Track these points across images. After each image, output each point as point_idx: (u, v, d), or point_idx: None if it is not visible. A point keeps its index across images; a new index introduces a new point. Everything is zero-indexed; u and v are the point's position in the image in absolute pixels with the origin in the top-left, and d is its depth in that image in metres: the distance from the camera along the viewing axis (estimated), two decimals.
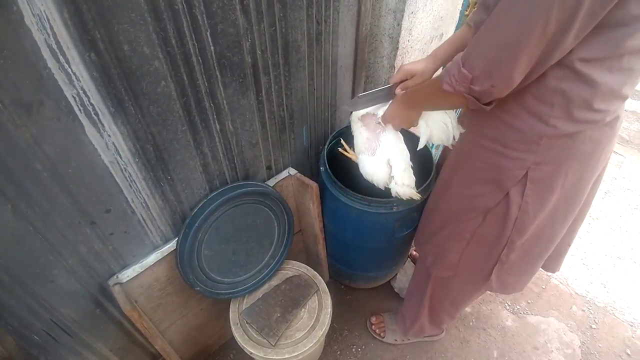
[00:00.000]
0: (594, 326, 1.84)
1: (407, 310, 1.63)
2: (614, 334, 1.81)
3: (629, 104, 3.47)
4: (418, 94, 1.09)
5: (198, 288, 1.24)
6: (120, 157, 0.92)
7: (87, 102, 0.81)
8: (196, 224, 1.14)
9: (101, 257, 1.04)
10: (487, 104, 0.86)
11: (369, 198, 1.32)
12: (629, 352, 1.75)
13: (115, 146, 0.90)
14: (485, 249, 1.16)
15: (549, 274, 2.04)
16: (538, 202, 0.99)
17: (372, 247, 1.56)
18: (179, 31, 0.86)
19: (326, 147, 1.46)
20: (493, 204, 1.05)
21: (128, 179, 0.96)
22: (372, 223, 1.42)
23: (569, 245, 1.31)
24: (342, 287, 1.94)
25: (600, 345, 1.77)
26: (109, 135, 0.88)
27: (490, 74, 0.79)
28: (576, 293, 1.97)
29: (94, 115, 0.83)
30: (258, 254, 1.39)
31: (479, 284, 1.28)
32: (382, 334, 1.76)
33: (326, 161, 1.43)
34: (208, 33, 0.92)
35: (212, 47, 0.94)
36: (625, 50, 0.75)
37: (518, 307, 1.89)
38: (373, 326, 1.78)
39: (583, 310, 1.90)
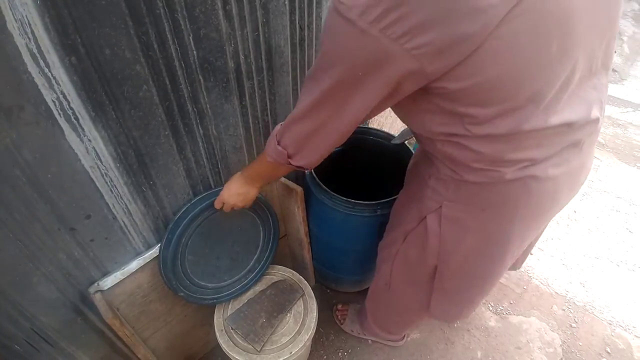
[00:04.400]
0: (574, 325, 1.88)
1: (365, 307, 1.66)
2: (593, 333, 1.86)
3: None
4: (254, 170, 1.11)
5: (182, 294, 1.22)
6: (101, 162, 0.91)
7: (67, 107, 0.80)
8: (179, 229, 1.13)
9: (81, 264, 1.02)
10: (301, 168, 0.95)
11: (353, 201, 1.33)
12: (608, 350, 1.79)
13: (95, 151, 0.88)
14: (410, 272, 1.21)
15: (530, 274, 2.09)
16: (454, 237, 1.01)
17: (357, 250, 1.56)
18: (161, 35, 0.86)
19: None
20: (411, 227, 1.11)
21: (109, 184, 0.95)
22: (356, 226, 1.43)
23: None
24: (328, 291, 1.94)
25: (580, 343, 1.81)
26: (90, 140, 0.86)
27: (301, 153, 0.90)
28: (556, 293, 2.01)
29: (73, 120, 0.82)
30: (243, 259, 1.38)
31: (419, 309, 1.33)
32: (342, 321, 1.81)
33: None
34: (190, 37, 0.92)
35: (194, 52, 0.94)
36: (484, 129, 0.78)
37: (501, 307, 1.93)
38: (337, 312, 1.84)
39: (563, 310, 1.94)
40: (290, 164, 0.92)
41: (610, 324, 1.90)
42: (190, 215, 1.15)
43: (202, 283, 1.28)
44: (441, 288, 1.19)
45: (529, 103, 0.74)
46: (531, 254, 2.18)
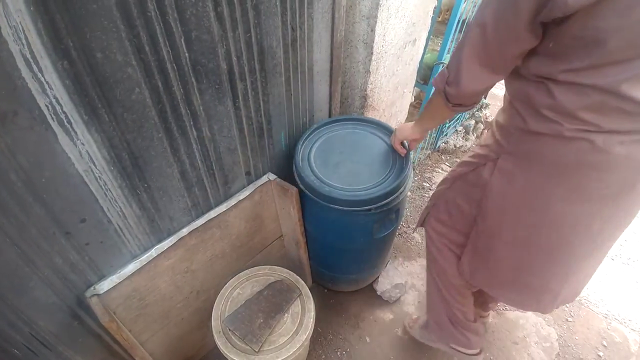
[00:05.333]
0: (570, 319, 1.89)
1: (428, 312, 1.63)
2: (589, 326, 1.87)
3: None
4: (424, 109, 1.25)
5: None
6: (95, 166, 0.91)
7: (60, 111, 0.81)
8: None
9: (77, 268, 1.02)
10: (457, 106, 1.04)
11: (347, 200, 1.33)
12: (605, 344, 1.81)
13: (89, 154, 0.89)
14: (450, 219, 1.29)
15: None
16: (499, 189, 1.07)
17: (352, 249, 1.57)
18: (153, 38, 0.87)
19: (299, 151, 1.46)
20: (463, 172, 1.19)
21: (103, 187, 0.95)
22: (351, 225, 1.44)
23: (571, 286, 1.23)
24: (326, 291, 1.94)
25: (576, 337, 1.82)
26: (83, 144, 0.87)
27: (457, 76, 0.97)
28: None
29: (66, 124, 0.83)
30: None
31: (456, 274, 1.36)
32: (410, 326, 1.79)
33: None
34: (182, 40, 0.92)
35: (186, 54, 0.95)
36: (585, 77, 0.83)
37: (497, 303, 1.93)
38: (410, 322, 1.80)
39: None
40: (446, 90, 1.02)
41: (606, 318, 1.91)
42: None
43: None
44: (474, 244, 1.23)
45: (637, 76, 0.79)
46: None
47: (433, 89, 1.11)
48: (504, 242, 1.15)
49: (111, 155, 0.93)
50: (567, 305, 1.95)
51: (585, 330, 1.86)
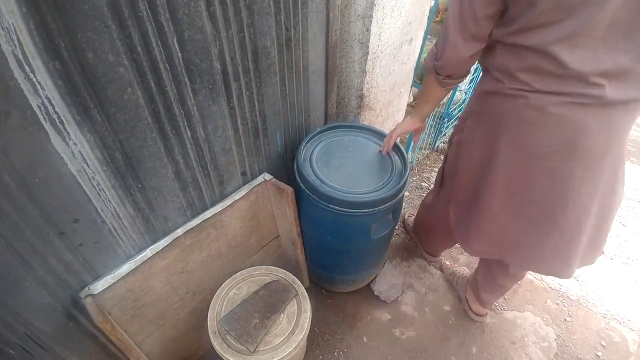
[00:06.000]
0: (568, 319, 1.89)
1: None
2: (587, 326, 1.87)
3: None
4: (419, 93, 1.49)
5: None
6: (88, 166, 0.91)
7: (52, 111, 0.81)
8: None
9: (72, 269, 1.02)
10: (447, 78, 1.18)
11: (344, 200, 1.33)
12: (603, 344, 1.80)
13: (82, 154, 0.89)
14: (449, 171, 1.49)
15: None
16: (467, 144, 1.29)
17: (349, 249, 1.57)
18: (144, 38, 0.87)
19: (302, 151, 1.46)
20: (452, 136, 1.40)
21: (96, 187, 0.95)
22: (348, 225, 1.43)
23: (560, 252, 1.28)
24: (323, 291, 1.94)
25: (575, 337, 1.82)
26: (75, 144, 0.87)
27: (443, 49, 1.11)
28: (550, 287, 2.02)
29: (59, 124, 0.83)
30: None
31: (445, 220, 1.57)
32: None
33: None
34: (175, 39, 0.92)
35: (179, 54, 0.95)
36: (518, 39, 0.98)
37: (495, 303, 1.93)
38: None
39: (557, 304, 1.95)
40: (435, 65, 1.15)
41: (604, 317, 1.91)
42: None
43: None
44: (456, 197, 1.46)
45: (565, 39, 0.90)
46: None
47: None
48: (474, 196, 1.34)
49: (104, 156, 0.93)
50: (566, 305, 1.94)
51: (583, 330, 1.85)
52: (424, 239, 2.08)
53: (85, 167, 0.91)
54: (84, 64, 0.81)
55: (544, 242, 1.25)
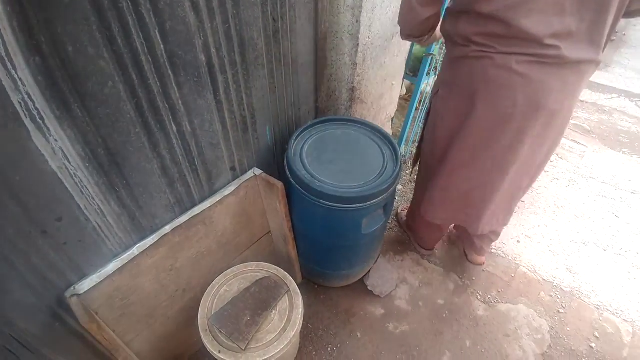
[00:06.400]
0: (561, 311, 1.89)
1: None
2: (581, 318, 1.87)
3: (589, 96, 3.61)
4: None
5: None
6: (69, 162, 0.88)
7: (32, 107, 0.78)
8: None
9: (56, 268, 0.99)
10: (407, 37, 1.38)
11: (335, 195, 1.31)
12: (597, 335, 1.80)
13: (62, 151, 0.86)
14: (428, 143, 1.56)
15: (517, 262, 2.09)
16: (440, 112, 1.37)
17: (341, 245, 1.55)
18: (125, 29, 0.84)
19: (292, 145, 1.44)
20: (428, 108, 1.51)
21: (79, 184, 0.92)
22: (339, 221, 1.42)
23: (489, 209, 1.52)
24: (316, 286, 1.93)
25: (568, 329, 1.82)
26: (56, 140, 0.84)
27: (401, 13, 1.29)
28: (544, 279, 2.02)
29: (39, 120, 0.80)
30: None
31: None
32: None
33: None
34: (156, 31, 0.89)
35: (162, 46, 0.92)
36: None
37: (489, 296, 1.93)
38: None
39: (551, 296, 1.95)
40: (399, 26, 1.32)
41: (598, 309, 1.91)
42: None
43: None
44: (432, 170, 1.54)
45: (520, 4, 0.99)
46: (518, 242, 2.19)
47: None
48: (437, 161, 1.47)
49: (86, 152, 0.90)
50: (559, 297, 1.94)
51: (577, 321, 1.85)
52: (416, 232, 2.06)
53: (67, 163, 0.88)
54: (64, 58, 0.78)
55: (491, 199, 1.45)
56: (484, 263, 2.03)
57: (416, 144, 2.74)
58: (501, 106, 1.16)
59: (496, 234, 1.88)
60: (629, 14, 1.16)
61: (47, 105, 0.80)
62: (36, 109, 0.79)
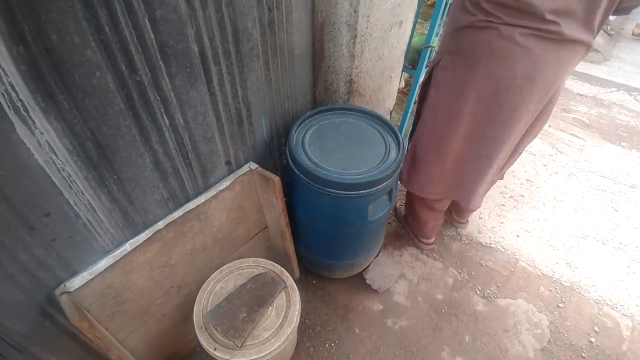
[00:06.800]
0: (561, 305, 1.87)
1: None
2: (580, 312, 1.85)
3: (588, 90, 3.58)
4: None
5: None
6: (56, 156, 0.85)
7: (16, 98, 0.75)
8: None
9: (45, 265, 0.96)
10: None
11: (340, 183, 1.29)
12: (596, 330, 1.79)
13: (49, 144, 0.83)
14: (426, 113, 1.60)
15: (517, 257, 2.08)
16: (439, 84, 1.40)
17: (347, 233, 1.54)
18: (113, 17, 0.80)
19: (293, 135, 1.42)
20: (425, 79, 1.56)
21: (67, 179, 0.89)
22: (345, 208, 1.40)
23: (482, 182, 1.59)
24: (314, 282, 1.91)
25: (568, 323, 1.81)
26: (42, 133, 0.81)
27: None
28: (543, 274, 2.01)
29: (23, 112, 0.77)
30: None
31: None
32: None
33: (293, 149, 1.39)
34: (146, 19, 0.86)
35: (152, 35, 0.89)
36: None
37: (488, 291, 1.91)
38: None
39: (550, 290, 1.93)
40: None
41: (597, 303, 1.90)
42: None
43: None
44: (420, 136, 1.60)
45: None
46: (518, 236, 2.17)
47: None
48: (434, 133, 1.51)
49: (74, 145, 0.87)
50: (559, 291, 1.93)
51: (576, 316, 1.84)
52: (414, 223, 2.05)
53: (54, 157, 0.85)
54: (48, 47, 0.75)
55: (485, 172, 1.51)
56: (466, 222, 2.22)
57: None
58: (501, 77, 1.22)
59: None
60: (619, 11, 1.24)
61: (32, 96, 0.77)
62: (20, 100, 0.76)
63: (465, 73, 1.29)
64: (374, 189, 1.34)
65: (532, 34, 1.14)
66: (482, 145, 1.43)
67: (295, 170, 1.37)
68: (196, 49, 1.00)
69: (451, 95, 1.37)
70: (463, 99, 1.33)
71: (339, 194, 1.32)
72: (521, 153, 1.60)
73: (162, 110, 1.01)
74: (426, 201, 1.82)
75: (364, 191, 1.33)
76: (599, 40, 4.23)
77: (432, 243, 2.08)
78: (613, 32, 4.62)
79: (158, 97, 0.98)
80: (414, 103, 1.94)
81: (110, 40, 0.82)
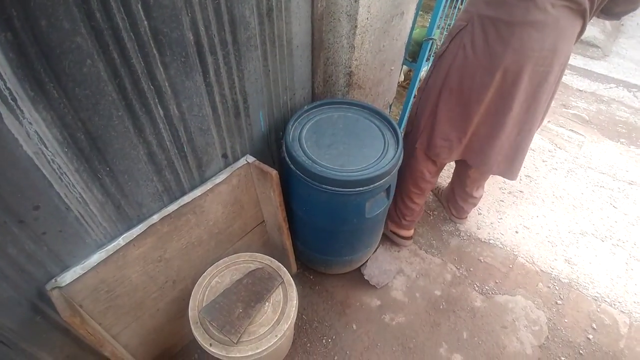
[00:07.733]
0: (559, 302, 1.86)
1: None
2: (579, 309, 1.85)
3: (588, 85, 3.56)
4: None
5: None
6: (46, 147, 0.82)
7: (3, 87, 0.72)
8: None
9: (35, 260, 0.93)
10: None
11: (338, 179, 1.27)
12: (594, 326, 1.78)
13: (38, 135, 0.80)
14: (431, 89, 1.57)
15: (515, 253, 2.06)
16: (465, 54, 1.38)
17: (344, 230, 1.52)
18: (104, 3, 0.77)
19: (290, 130, 1.39)
20: (441, 51, 1.49)
21: (57, 171, 0.86)
22: (342, 205, 1.38)
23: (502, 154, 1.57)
24: (311, 277, 1.89)
25: (566, 320, 1.80)
26: (30, 123, 0.78)
27: None
28: (541, 270, 2.00)
29: (11, 101, 0.74)
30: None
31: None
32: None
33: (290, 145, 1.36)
34: (139, 5, 0.83)
35: (145, 22, 0.85)
36: None
37: (487, 287, 1.90)
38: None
39: (549, 287, 1.92)
40: None
41: (595, 300, 1.89)
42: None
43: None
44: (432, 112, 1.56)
45: None
46: (516, 232, 2.16)
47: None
48: (450, 93, 1.46)
49: (64, 136, 0.84)
50: (557, 288, 1.92)
51: (574, 312, 1.83)
52: (404, 210, 1.93)
53: (43, 148, 0.82)
54: (37, 33, 0.72)
55: (498, 136, 1.49)
56: (465, 218, 2.20)
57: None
58: (530, 49, 1.24)
59: (478, 199, 2.01)
60: (611, 16, 1.31)
61: (20, 85, 0.74)
62: (7, 89, 0.72)
63: (496, 42, 1.28)
64: (371, 186, 1.31)
65: (564, 5, 1.17)
66: (504, 112, 1.42)
67: (292, 167, 1.35)
68: (191, 38, 0.96)
69: (479, 62, 1.34)
70: (493, 68, 1.32)
71: (336, 191, 1.30)
72: (537, 127, 1.54)
73: (156, 100, 0.98)
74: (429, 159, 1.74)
75: (361, 188, 1.30)
76: (599, 36, 4.20)
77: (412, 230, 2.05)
78: (611, 28, 4.59)
79: (152, 87, 0.95)
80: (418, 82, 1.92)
81: (102, 26, 0.79)
